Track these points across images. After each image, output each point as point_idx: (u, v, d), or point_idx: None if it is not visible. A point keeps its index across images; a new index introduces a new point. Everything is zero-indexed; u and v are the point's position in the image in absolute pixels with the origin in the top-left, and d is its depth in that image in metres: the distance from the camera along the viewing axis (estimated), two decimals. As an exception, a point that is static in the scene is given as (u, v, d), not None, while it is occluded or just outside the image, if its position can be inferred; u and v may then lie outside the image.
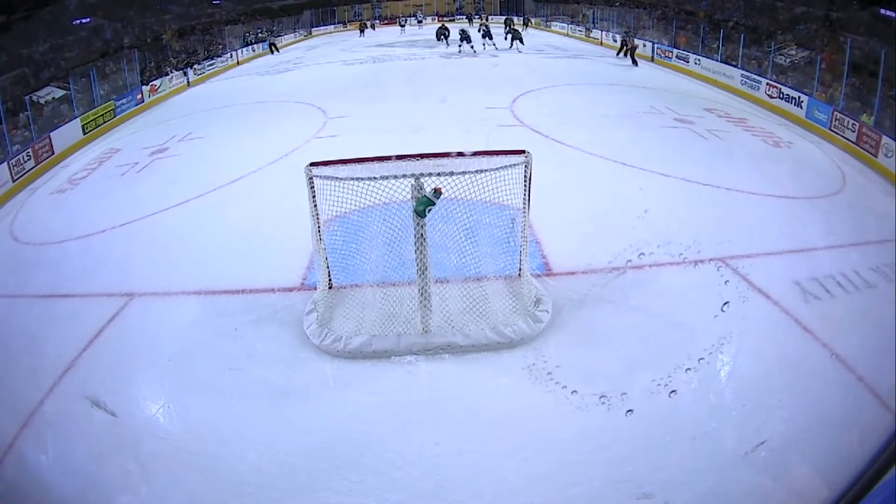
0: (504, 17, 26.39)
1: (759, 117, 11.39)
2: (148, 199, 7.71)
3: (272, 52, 23.33)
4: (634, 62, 16.60)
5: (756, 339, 4.54)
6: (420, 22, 29.74)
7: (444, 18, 33.08)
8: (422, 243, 4.36)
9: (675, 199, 6.96)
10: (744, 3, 16.88)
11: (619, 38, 18.81)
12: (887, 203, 7.49)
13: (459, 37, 19.49)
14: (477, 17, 31.53)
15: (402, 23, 29.47)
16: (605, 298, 5.01)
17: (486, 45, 19.61)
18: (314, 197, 4.59)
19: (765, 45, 13.84)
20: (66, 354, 4.62)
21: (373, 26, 31.07)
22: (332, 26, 31.16)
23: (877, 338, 4.28)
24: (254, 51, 22.78)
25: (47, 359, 4.60)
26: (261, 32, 24.84)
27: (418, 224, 4.29)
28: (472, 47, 19.18)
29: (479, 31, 20.12)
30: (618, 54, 17.66)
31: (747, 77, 13.28)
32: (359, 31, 28.34)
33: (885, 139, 8.67)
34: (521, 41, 19.32)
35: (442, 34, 21.40)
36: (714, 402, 3.98)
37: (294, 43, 27.17)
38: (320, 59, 20.68)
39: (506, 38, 19.91)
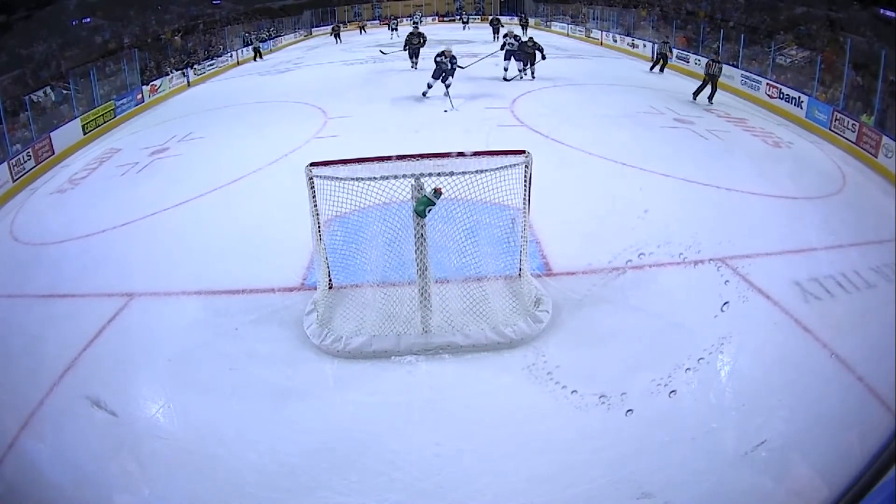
0: (490, 18, 23.58)
1: (759, 117, 11.40)
2: (148, 199, 7.70)
3: (256, 59, 21.74)
4: (705, 94, 11.86)
5: (756, 339, 4.55)
6: (416, 24, 23.12)
7: (445, 19, 32.51)
8: (422, 243, 4.35)
9: (674, 199, 6.96)
10: (744, 3, 16.88)
11: (648, 45, 17.04)
12: (887, 203, 7.49)
13: (434, 72, 11.48)
14: (473, 15, 28.72)
15: (394, 25, 25.25)
16: (605, 298, 5.01)
17: (524, 73, 13.66)
18: (314, 197, 4.58)
19: (765, 45, 13.85)
20: (66, 354, 4.62)
21: (363, 28, 29.63)
22: (332, 26, 31.11)
23: (877, 338, 4.28)
24: (253, 51, 22.77)
25: (47, 359, 4.59)
26: (261, 33, 24.71)
27: (418, 224, 4.29)
28: (447, 88, 11.40)
29: (503, 47, 13.85)
30: (651, 69, 15.57)
31: (747, 77, 13.28)
32: (333, 37, 24.38)
33: (885, 139, 8.68)
34: (544, 55, 13.81)
35: (413, 49, 14.68)
36: (714, 402, 3.97)
37: (294, 43, 27.12)
38: (321, 58, 20.66)
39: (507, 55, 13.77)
